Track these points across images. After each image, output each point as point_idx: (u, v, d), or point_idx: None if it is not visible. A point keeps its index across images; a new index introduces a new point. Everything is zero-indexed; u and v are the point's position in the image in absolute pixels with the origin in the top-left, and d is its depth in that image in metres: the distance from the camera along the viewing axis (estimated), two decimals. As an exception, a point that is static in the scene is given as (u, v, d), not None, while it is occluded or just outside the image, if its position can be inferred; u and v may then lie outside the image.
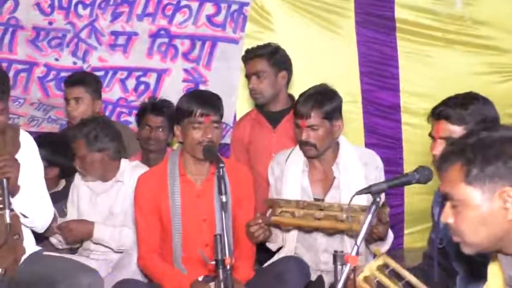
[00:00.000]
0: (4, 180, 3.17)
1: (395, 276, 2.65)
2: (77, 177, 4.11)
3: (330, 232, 3.45)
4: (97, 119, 4.07)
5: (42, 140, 4.04)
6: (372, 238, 3.30)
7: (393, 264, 2.67)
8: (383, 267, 2.67)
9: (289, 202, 3.39)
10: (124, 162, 4.03)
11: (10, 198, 3.21)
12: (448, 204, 2.09)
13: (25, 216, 3.37)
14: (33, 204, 3.39)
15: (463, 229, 2.05)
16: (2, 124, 3.29)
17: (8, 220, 3.15)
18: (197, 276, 3.33)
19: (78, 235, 3.91)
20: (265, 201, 3.48)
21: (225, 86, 4.87)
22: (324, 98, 3.46)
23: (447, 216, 2.09)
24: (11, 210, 3.20)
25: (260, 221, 3.36)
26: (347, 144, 3.59)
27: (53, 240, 4.04)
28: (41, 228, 3.52)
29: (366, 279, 2.64)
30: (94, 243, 3.96)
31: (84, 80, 4.56)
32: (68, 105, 4.56)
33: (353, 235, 3.08)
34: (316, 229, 3.47)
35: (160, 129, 4.45)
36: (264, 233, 3.39)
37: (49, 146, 4.17)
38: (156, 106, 4.49)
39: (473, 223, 2.02)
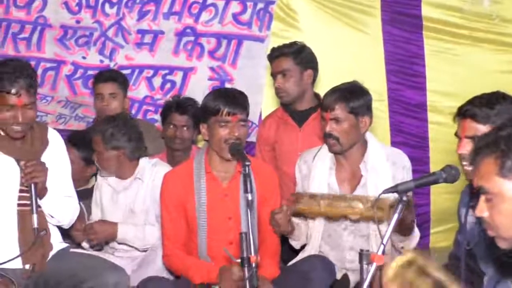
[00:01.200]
0: (32, 185, 3.21)
1: (423, 273, 2.63)
2: (99, 177, 4.14)
3: (356, 219, 3.40)
4: (118, 117, 4.07)
5: (77, 141, 4.07)
6: (400, 229, 3.28)
7: (421, 260, 2.65)
8: (411, 263, 2.65)
9: (315, 194, 3.38)
10: (143, 160, 4.03)
11: (38, 201, 3.25)
12: (482, 198, 2.06)
13: (52, 217, 3.40)
14: (60, 205, 3.41)
15: (498, 222, 2.02)
16: (31, 119, 3.29)
17: (35, 224, 3.20)
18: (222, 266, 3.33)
19: (102, 236, 3.93)
20: (292, 194, 3.46)
21: (251, 85, 4.86)
22: (350, 93, 3.46)
23: (482, 210, 2.06)
24: (38, 206, 3.23)
25: (285, 208, 3.35)
26: (375, 143, 3.58)
27: (85, 245, 4.04)
28: (67, 225, 3.54)
29: (392, 274, 2.62)
30: (119, 243, 3.98)
31: (117, 77, 4.63)
32: (102, 100, 4.59)
33: (380, 222, 3.05)
34: (342, 216, 3.44)
35: (185, 128, 4.44)
36: (287, 224, 3.38)
37: (86, 146, 4.17)
38: (180, 105, 4.48)
39: (509, 216, 1.99)
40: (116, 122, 3.98)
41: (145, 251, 3.94)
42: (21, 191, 3.31)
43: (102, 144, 3.93)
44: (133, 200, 3.99)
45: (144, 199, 3.97)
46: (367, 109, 3.51)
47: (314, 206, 3.32)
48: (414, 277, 2.60)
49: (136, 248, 3.95)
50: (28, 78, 3.23)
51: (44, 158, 3.34)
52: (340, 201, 3.31)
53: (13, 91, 3.18)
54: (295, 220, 3.52)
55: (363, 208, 3.25)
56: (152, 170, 3.99)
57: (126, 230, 3.91)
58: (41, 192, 3.27)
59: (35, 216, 3.20)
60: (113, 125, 3.95)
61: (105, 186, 4.08)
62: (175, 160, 4.38)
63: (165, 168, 3.95)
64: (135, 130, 4.02)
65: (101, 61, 5.26)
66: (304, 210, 3.38)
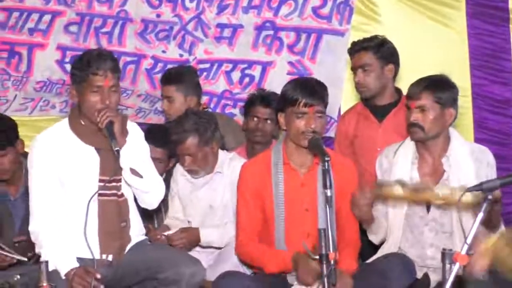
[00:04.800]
0: (109, 125, 3.28)
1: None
2: (176, 172, 4.14)
3: (442, 206, 3.38)
4: (195, 113, 4.06)
5: (158, 137, 4.06)
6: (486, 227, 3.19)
7: None
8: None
9: (399, 180, 3.34)
10: (221, 154, 4.04)
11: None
12: None
13: (139, 176, 3.37)
14: (143, 165, 3.41)
15: None
16: (116, 102, 3.37)
17: (115, 147, 3.26)
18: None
19: (188, 244, 3.91)
20: (376, 183, 3.45)
21: (330, 79, 4.77)
22: (437, 84, 3.45)
23: None
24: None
25: (367, 192, 3.33)
26: (459, 138, 3.54)
27: None
28: (152, 202, 3.53)
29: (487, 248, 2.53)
30: (203, 246, 3.96)
31: (175, 79, 4.53)
32: (163, 102, 4.61)
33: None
34: (427, 202, 3.40)
35: (268, 121, 4.43)
36: (368, 210, 3.35)
37: (166, 141, 4.15)
38: (265, 98, 4.47)
39: None
40: (198, 116, 3.97)
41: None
42: (100, 180, 3.37)
43: (197, 142, 3.90)
44: (213, 195, 4.00)
45: (224, 193, 3.98)
46: (454, 102, 3.48)
47: (397, 190, 3.29)
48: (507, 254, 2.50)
49: (217, 248, 3.95)
50: (113, 61, 3.36)
51: (122, 148, 3.36)
52: (426, 189, 3.28)
53: (100, 72, 3.29)
54: (375, 213, 3.48)
55: (449, 194, 3.21)
56: (229, 165, 3.99)
57: (209, 233, 3.91)
58: (120, 141, 3.29)
59: (116, 143, 3.27)
60: (197, 120, 3.93)
61: (183, 182, 4.09)
62: (255, 153, 4.36)
63: (242, 162, 3.94)
64: (215, 120, 4.02)
65: (181, 55, 5.28)
66: (387, 194, 3.33)
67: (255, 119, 4.44)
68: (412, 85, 3.50)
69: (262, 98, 4.47)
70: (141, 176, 3.37)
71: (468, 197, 2.94)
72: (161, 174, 4.18)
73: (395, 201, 3.44)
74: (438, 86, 3.44)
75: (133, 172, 3.35)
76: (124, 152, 3.31)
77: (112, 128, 3.28)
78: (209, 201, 4.01)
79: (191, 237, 3.89)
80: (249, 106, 4.52)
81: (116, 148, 3.27)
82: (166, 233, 3.88)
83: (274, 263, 3.37)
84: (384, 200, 3.46)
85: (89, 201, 3.29)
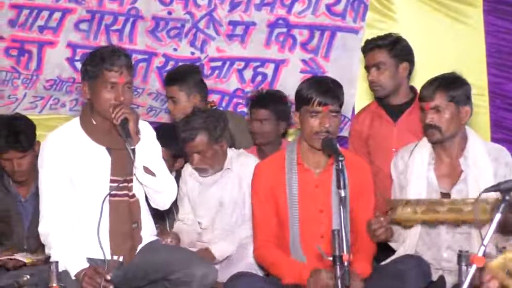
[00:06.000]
0: (123, 122, 3.25)
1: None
2: (185, 172, 4.11)
3: (456, 224, 3.35)
4: (204, 111, 4.03)
5: (162, 137, 4.03)
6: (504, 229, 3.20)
7: None
8: None
9: (409, 201, 3.33)
10: (230, 150, 4.02)
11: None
12: None
13: (152, 174, 3.35)
14: (157, 163, 3.39)
15: None
16: (130, 100, 3.37)
17: (130, 146, 3.23)
18: (314, 267, 3.26)
19: None
20: (387, 202, 3.42)
21: (344, 78, 4.74)
22: (449, 82, 3.43)
23: None
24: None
25: (382, 219, 3.29)
26: (476, 137, 3.51)
27: None
28: (165, 202, 3.50)
29: (498, 267, 2.48)
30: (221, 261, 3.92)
31: (178, 78, 4.49)
32: (168, 103, 4.59)
33: (481, 226, 2.99)
34: (440, 222, 3.38)
35: (266, 122, 4.39)
36: (385, 233, 3.32)
37: (171, 141, 4.12)
38: (260, 99, 4.46)
39: None
40: (206, 114, 3.95)
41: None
42: (112, 181, 3.35)
43: (207, 140, 3.88)
44: (223, 192, 3.98)
45: (233, 190, 3.96)
46: (467, 98, 3.47)
47: (411, 214, 3.28)
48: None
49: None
50: (127, 57, 3.35)
51: (136, 146, 3.34)
52: (438, 205, 3.26)
53: (115, 68, 3.27)
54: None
55: (463, 212, 3.20)
56: (237, 161, 3.98)
57: (220, 248, 3.89)
58: (134, 138, 3.27)
59: (131, 141, 3.24)
60: (206, 118, 3.91)
61: (192, 182, 4.07)
62: (264, 154, 4.35)
63: (249, 158, 3.98)
64: (223, 118, 3.99)
65: (192, 53, 5.26)
66: (400, 219, 3.33)
67: (254, 121, 4.42)
68: (424, 86, 3.48)
69: (257, 99, 4.46)
70: (154, 175, 3.34)
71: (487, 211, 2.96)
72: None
73: (410, 224, 3.42)
74: (451, 85, 3.42)
75: (147, 170, 3.33)
76: (138, 150, 3.28)
77: (127, 125, 3.25)
78: (218, 198, 3.98)
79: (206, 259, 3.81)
80: (249, 109, 4.51)
81: (132, 147, 3.24)
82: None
83: (290, 274, 3.33)
84: (398, 224, 3.42)
85: (103, 202, 3.29)
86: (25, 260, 3.72)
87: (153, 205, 3.50)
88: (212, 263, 3.78)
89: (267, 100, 4.44)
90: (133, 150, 3.25)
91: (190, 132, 3.89)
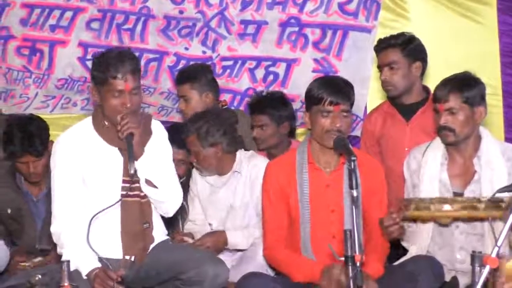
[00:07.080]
0: (128, 136, 3.24)
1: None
2: (195, 173, 4.12)
3: (469, 221, 3.34)
4: (208, 113, 4.03)
5: (178, 138, 4.02)
6: None
7: None
8: None
9: (423, 199, 3.31)
10: (240, 153, 4.02)
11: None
12: None
13: (154, 186, 3.36)
14: (160, 175, 3.38)
15: None
16: (137, 105, 3.34)
17: (132, 170, 3.21)
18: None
19: (216, 248, 3.89)
20: (400, 202, 3.38)
21: (356, 77, 4.77)
22: (463, 83, 3.40)
23: None
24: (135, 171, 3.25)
25: (394, 215, 3.25)
26: (490, 137, 3.49)
27: None
28: (168, 211, 3.50)
29: None
30: (230, 250, 3.94)
31: (190, 77, 4.49)
32: (179, 102, 4.57)
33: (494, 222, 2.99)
34: (455, 219, 3.36)
35: (263, 127, 4.33)
36: (398, 230, 3.28)
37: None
38: (255, 105, 4.43)
39: None
40: (207, 117, 3.96)
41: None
42: (124, 181, 3.35)
43: (198, 143, 3.91)
44: (233, 195, 3.98)
45: (244, 193, 3.96)
46: (482, 98, 3.44)
47: (424, 211, 3.25)
48: None
49: (240, 250, 3.93)
50: (132, 62, 3.31)
51: (147, 147, 3.36)
52: (451, 202, 3.23)
53: (119, 75, 3.25)
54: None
55: (477, 209, 3.17)
56: (249, 163, 3.98)
57: (235, 235, 3.91)
58: (137, 152, 3.27)
59: (133, 164, 3.22)
60: (205, 121, 3.92)
61: (202, 183, 4.07)
62: (274, 157, 4.29)
63: (261, 159, 3.97)
64: (228, 122, 4.00)
65: (204, 52, 5.25)
66: (414, 216, 3.31)
67: (255, 128, 4.38)
68: (438, 88, 3.45)
69: (255, 105, 4.42)
70: (156, 187, 3.35)
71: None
72: (183, 176, 4.15)
73: (423, 221, 3.41)
74: (465, 85, 3.39)
75: (148, 183, 3.34)
76: (140, 164, 3.29)
77: (132, 140, 3.25)
78: (229, 201, 3.98)
79: (218, 241, 3.88)
80: (249, 115, 4.48)
81: (131, 172, 3.23)
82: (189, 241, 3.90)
83: (301, 273, 3.32)
84: (412, 221, 3.42)
85: (117, 203, 3.29)
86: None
87: (158, 212, 3.50)
88: (220, 250, 3.88)
89: (265, 105, 4.38)
90: (133, 174, 3.24)
91: (185, 129, 3.97)
